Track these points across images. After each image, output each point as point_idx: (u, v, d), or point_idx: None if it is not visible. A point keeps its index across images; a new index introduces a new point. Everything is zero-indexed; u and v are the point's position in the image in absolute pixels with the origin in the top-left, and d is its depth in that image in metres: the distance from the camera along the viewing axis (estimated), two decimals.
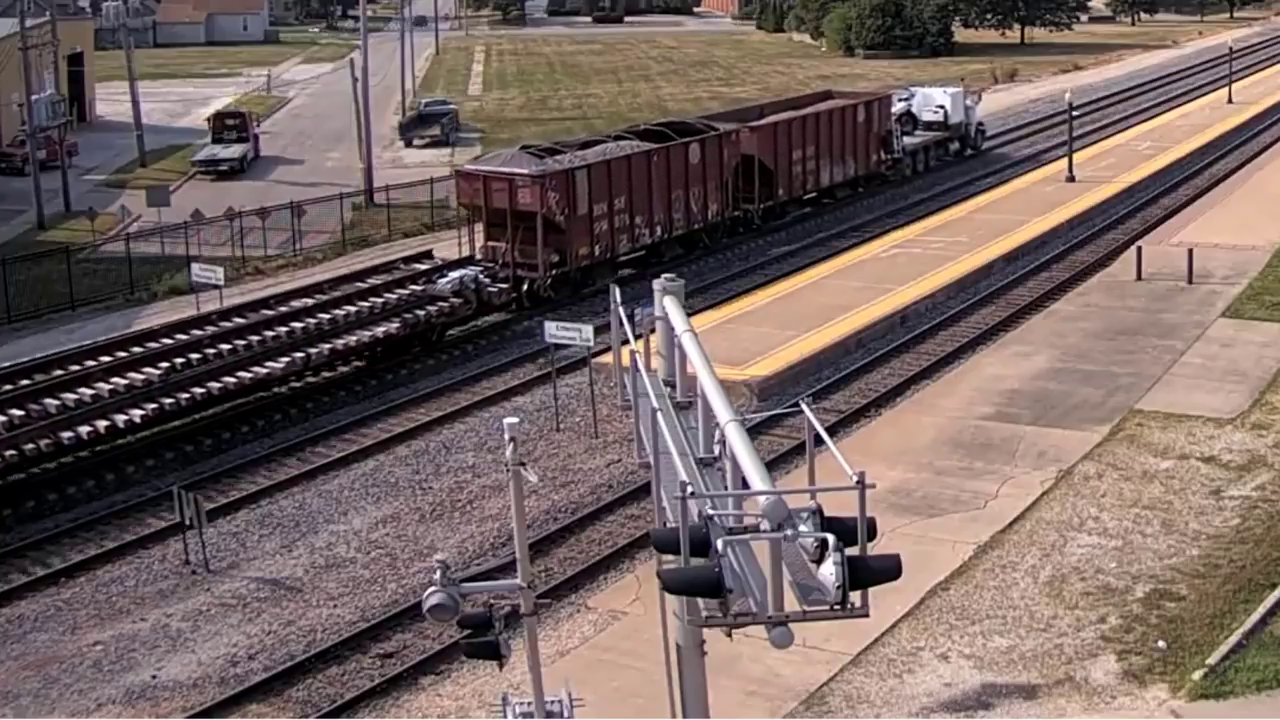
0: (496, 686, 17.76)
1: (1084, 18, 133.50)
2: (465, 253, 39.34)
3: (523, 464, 11.00)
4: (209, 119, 71.25)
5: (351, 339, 32.96)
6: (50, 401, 27.65)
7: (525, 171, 38.54)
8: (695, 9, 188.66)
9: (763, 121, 49.44)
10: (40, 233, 51.36)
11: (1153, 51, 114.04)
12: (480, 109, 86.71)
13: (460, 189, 40.99)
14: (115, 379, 28.94)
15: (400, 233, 49.21)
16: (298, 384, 32.71)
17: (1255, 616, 20.05)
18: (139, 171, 64.40)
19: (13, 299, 40.30)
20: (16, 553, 24.80)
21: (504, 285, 37.26)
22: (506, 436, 10.98)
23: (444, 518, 25.78)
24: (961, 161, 60.86)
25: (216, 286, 35.93)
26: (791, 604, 8.35)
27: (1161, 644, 19.59)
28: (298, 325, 32.64)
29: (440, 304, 35.11)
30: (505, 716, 11.72)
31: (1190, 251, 39.64)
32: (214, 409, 30.32)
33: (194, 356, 30.25)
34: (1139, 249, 40.70)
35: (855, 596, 8.25)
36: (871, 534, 8.46)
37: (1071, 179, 52.68)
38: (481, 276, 36.64)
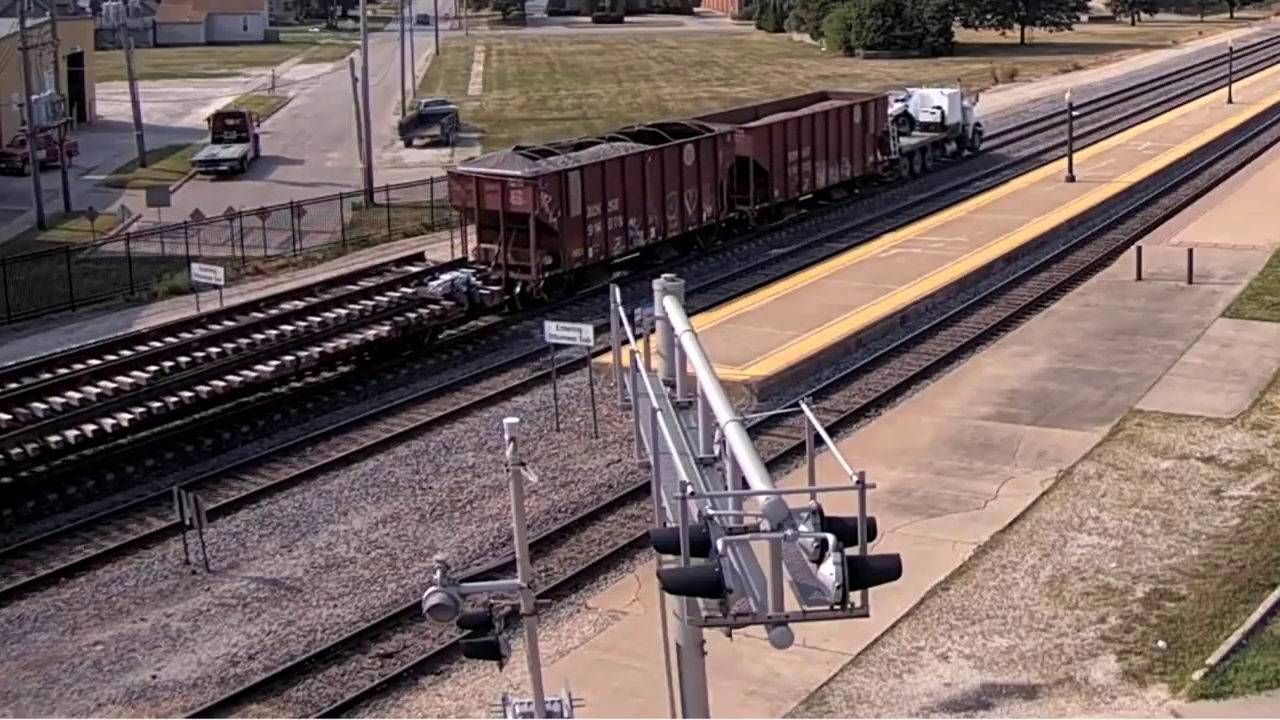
0: (496, 686, 17.75)
1: (1084, 18, 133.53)
2: (458, 255, 39.19)
3: (523, 464, 11.00)
4: (209, 119, 71.26)
5: (342, 342, 32.75)
6: (37, 405, 27.44)
7: (518, 173, 38.37)
8: (695, 9, 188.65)
9: (758, 123, 49.27)
10: (40, 233, 51.38)
11: (1153, 51, 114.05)
12: (480, 109, 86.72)
13: (453, 190, 40.74)
14: (103, 382, 28.71)
15: (400, 233, 49.21)
16: (297, 384, 32.66)
17: (1255, 616, 20.05)
18: (139, 171, 64.41)
19: (13, 299, 40.30)
20: (16, 553, 24.80)
21: (496, 288, 37.08)
22: (506, 436, 10.98)
23: (444, 518, 25.78)
24: (959, 162, 60.79)
25: (216, 286, 35.90)
26: (791, 604, 8.35)
27: (1161, 644, 19.59)
28: (288, 328, 32.41)
29: (431, 307, 34.94)
30: (505, 716, 11.72)
31: (1190, 251, 39.65)
32: (204, 412, 30.13)
33: (183, 360, 30.05)
34: (1139, 249, 40.71)
35: (855, 596, 8.24)
36: (871, 534, 8.46)
37: (1071, 179, 52.69)
38: (473, 279, 36.46)
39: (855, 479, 8.44)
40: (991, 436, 28.08)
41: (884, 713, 18.44)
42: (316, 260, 45.75)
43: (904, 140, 57.25)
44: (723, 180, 45.01)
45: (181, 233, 45.73)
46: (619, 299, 12.88)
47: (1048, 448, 27.26)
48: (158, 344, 30.91)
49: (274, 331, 32.18)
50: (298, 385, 32.76)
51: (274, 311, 33.46)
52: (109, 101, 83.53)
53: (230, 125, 68.06)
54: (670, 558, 8.73)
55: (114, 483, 27.81)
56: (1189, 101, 78.07)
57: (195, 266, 37.95)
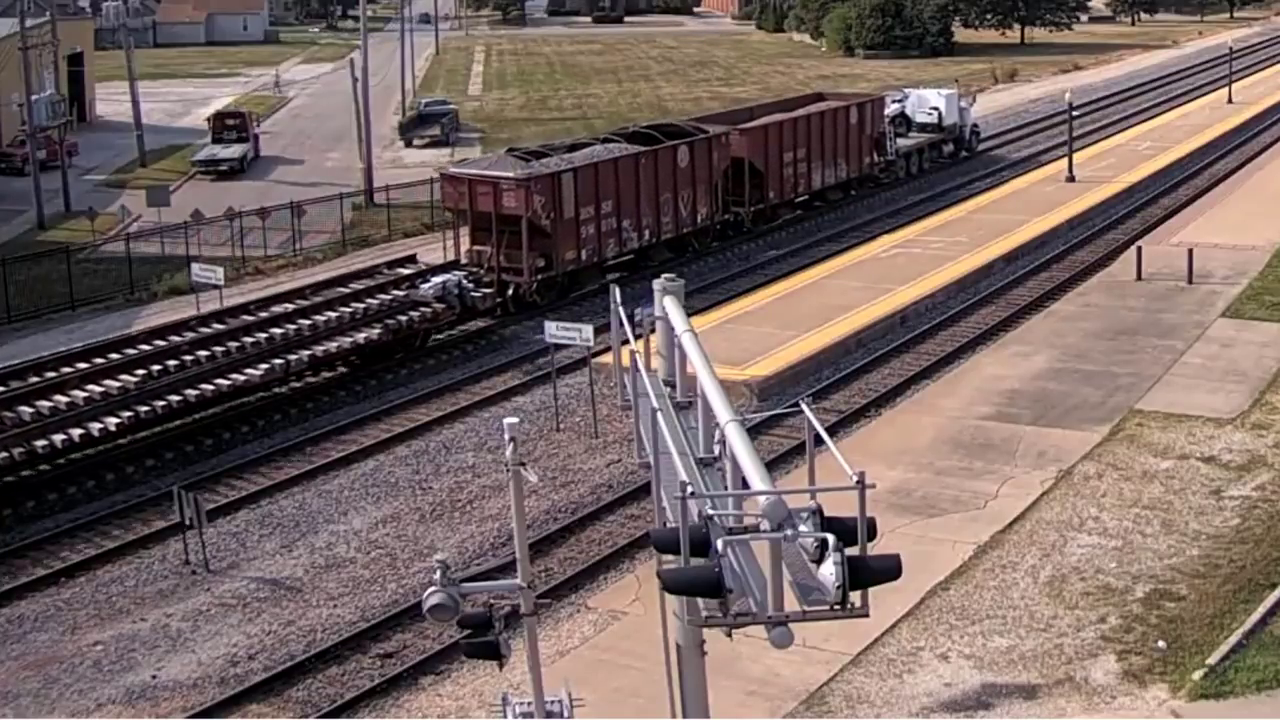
0: (496, 686, 17.76)
1: (1084, 18, 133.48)
2: (450, 257, 39.00)
3: (523, 464, 11.00)
4: (209, 119, 71.26)
5: (332, 345, 32.53)
6: (24, 409, 27.28)
7: (510, 175, 38.21)
8: (695, 9, 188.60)
9: (753, 124, 49.08)
10: (40, 233, 51.37)
11: (1153, 51, 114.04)
12: (480, 109, 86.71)
13: (445, 192, 40.52)
14: (91, 386, 28.48)
15: (400, 233, 49.19)
16: (297, 384, 32.63)
17: (1255, 616, 20.05)
18: (139, 171, 64.40)
19: (13, 299, 40.30)
20: (16, 553, 24.80)
21: (488, 290, 36.84)
22: (506, 436, 10.98)
23: (444, 518, 25.78)
24: (957, 163, 60.69)
25: (216, 286, 35.90)
26: (791, 604, 8.35)
27: (1161, 644, 19.59)
28: (277, 331, 32.15)
29: (423, 309, 34.75)
30: (505, 716, 11.72)
31: (1190, 251, 39.65)
32: (193, 416, 29.94)
33: (171, 363, 29.82)
34: (1139, 249, 40.71)
35: (855, 596, 8.25)
36: (871, 534, 8.46)
37: (1071, 179, 52.68)
38: (465, 281, 36.25)
39: (855, 479, 8.44)
40: (991, 436, 28.08)
41: (884, 713, 18.44)
42: (316, 260, 45.74)
43: (901, 141, 57.12)
44: (717, 182, 44.84)
45: (181, 233, 45.73)
46: (619, 299, 12.88)
47: (1048, 448, 27.26)
48: (146, 347, 30.67)
49: (264, 335, 31.88)
50: (297, 385, 32.76)
51: (264, 314, 33.19)
52: (109, 101, 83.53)
53: (230, 125, 68.05)
54: (670, 558, 8.74)
55: (114, 483, 27.80)
56: (1189, 101, 78.06)
57: (195, 266, 37.95)
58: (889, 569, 8.45)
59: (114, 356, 30.13)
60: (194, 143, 70.03)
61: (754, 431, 25.61)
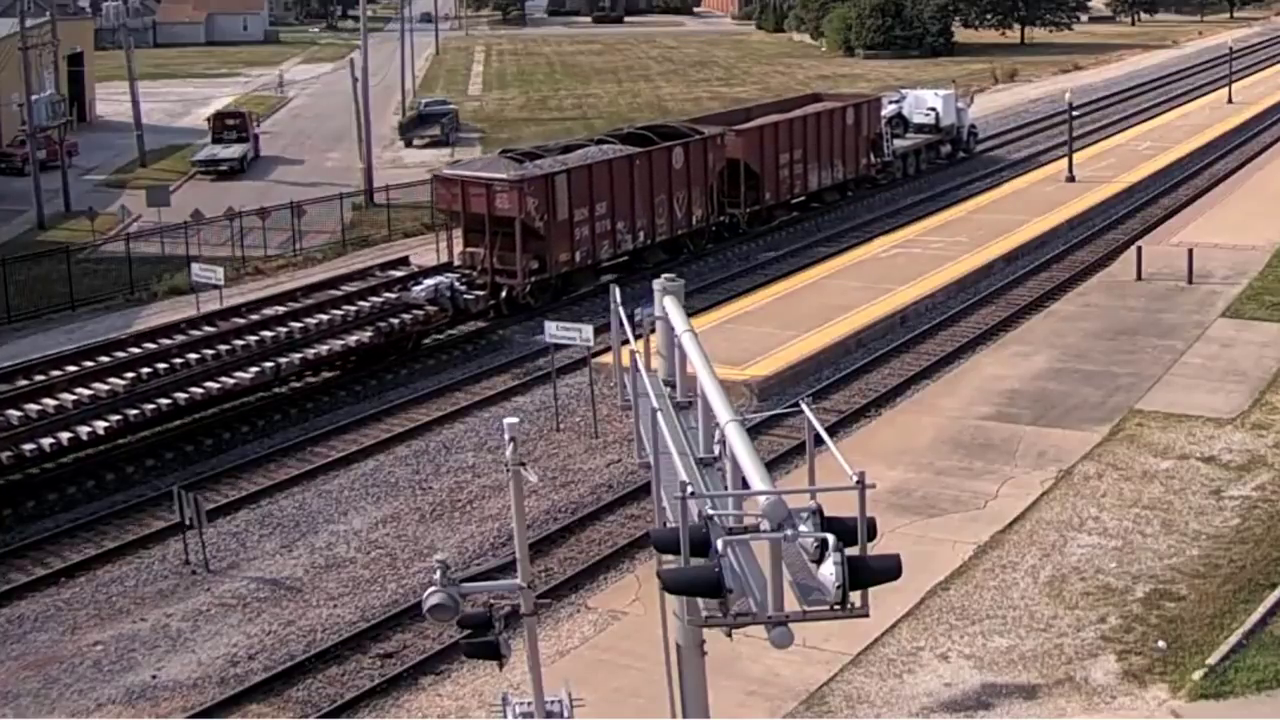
0: (496, 686, 17.76)
1: (1084, 18, 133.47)
2: (443, 259, 38.88)
3: (523, 464, 11.00)
4: (209, 119, 71.25)
5: (323, 348, 32.36)
6: (13, 413, 27.13)
7: (503, 176, 38.06)
8: (695, 9, 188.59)
9: (748, 125, 48.90)
10: (40, 233, 51.37)
11: (1153, 51, 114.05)
12: (480, 109, 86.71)
13: (438, 194, 40.30)
14: (80, 389, 28.34)
15: (400, 233, 49.18)
16: (296, 384, 32.62)
17: (1255, 616, 20.05)
18: (139, 171, 64.40)
19: (13, 299, 40.29)
20: (16, 553, 24.81)
21: (481, 292, 36.62)
22: (506, 436, 10.98)
23: (444, 518, 25.78)
24: (956, 164, 60.64)
25: (216, 286, 35.89)
26: (791, 604, 8.36)
27: (1161, 644, 19.59)
28: (268, 334, 31.98)
29: (415, 312, 34.60)
30: (505, 716, 11.72)
31: (1190, 251, 39.65)
32: (184, 419, 29.79)
33: (161, 366, 29.64)
34: (1139, 249, 40.71)
35: (855, 596, 8.25)
36: (871, 534, 8.46)
37: (1071, 179, 52.69)
38: (457, 283, 36.05)
39: (855, 479, 8.45)
40: (991, 436, 28.08)
41: (884, 713, 18.44)
42: (316, 260, 45.75)
43: (898, 142, 56.97)
44: (713, 183, 44.64)
45: (181, 233, 45.73)
46: (619, 299, 12.89)
47: (1048, 448, 27.26)
48: (136, 350, 30.52)
49: (254, 338, 31.68)
50: (297, 385, 32.75)
51: (255, 317, 33.02)
52: (109, 101, 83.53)
53: (230, 125, 68.04)
54: (670, 558, 8.74)
55: (114, 483, 27.80)
56: (1189, 101, 78.06)
57: (195, 266, 37.94)
58: (889, 569, 8.45)
59: (103, 359, 29.97)
60: (194, 143, 70.03)
61: (754, 431, 25.61)
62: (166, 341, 31.14)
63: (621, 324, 12.55)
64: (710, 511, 8.79)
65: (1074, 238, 45.66)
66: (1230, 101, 73.83)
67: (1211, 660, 18.92)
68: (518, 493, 11.12)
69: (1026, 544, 23.05)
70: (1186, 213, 49.04)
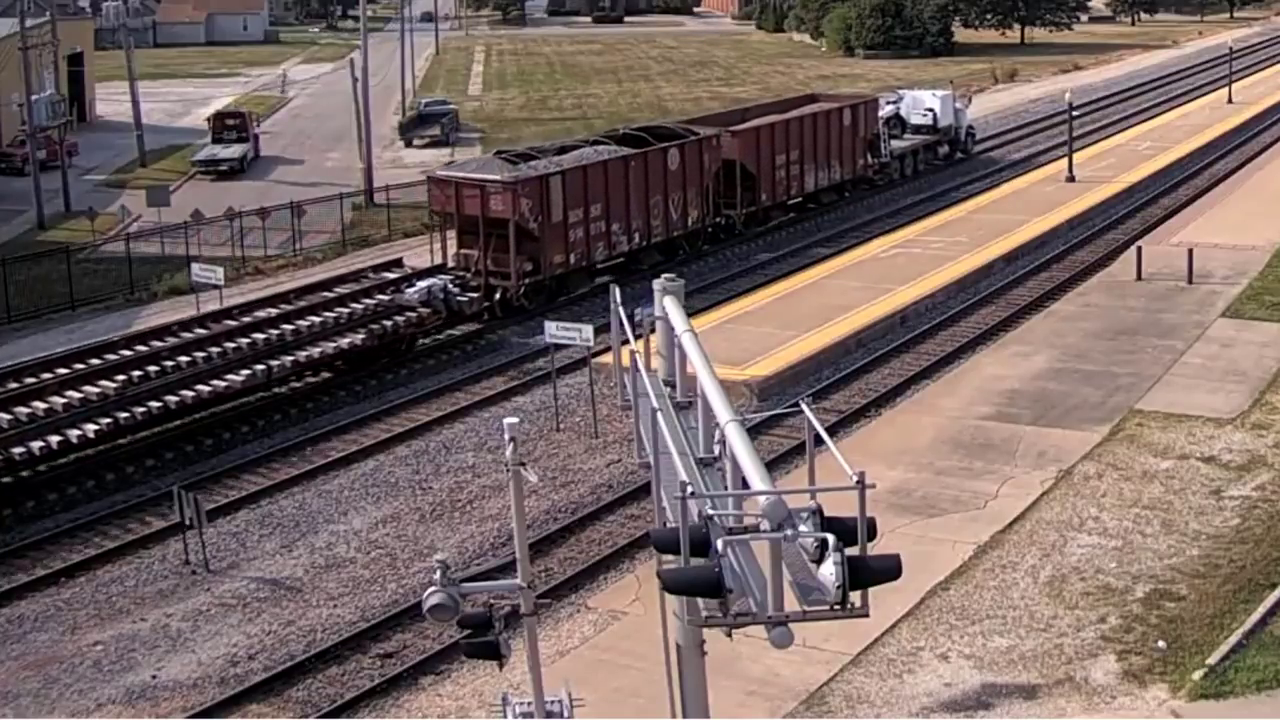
0: (496, 686, 17.76)
1: (1084, 18, 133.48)
2: (437, 261, 38.77)
3: (523, 464, 11.00)
4: (209, 119, 71.25)
5: (315, 350, 32.22)
6: (2, 416, 27.04)
7: (498, 178, 37.95)
8: (695, 9, 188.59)
9: (744, 125, 48.76)
10: (40, 233, 51.38)
11: (1153, 51, 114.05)
12: (480, 109, 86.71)
13: (432, 196, 40.07)
14: (71, 392, 28.21)
15: (400, 233, 49.18)
16: (286, 389, 32.50)
17: (1255, 616, 20.05)
18: (139, 171, 64.41)
19: (13, 299, 40.29)
20: (16, 553, 24.80)
21: (475, 294, 36.44)
22: (506, 436, 10.98)
23: (444, 518, 25.78)
24: (953, 165, 60.57)
25: (216, 286, 35.87)
26: (791, 604, 8.36)
27: (1161, 644, 19.59)
28: (261, 336, 31.83)
29: (408, 314, 34.48)
30: (505, 716, 11.72)
31: (1190, 251, 39.65)
32: (175, 422, 29.71)
33: (153, 369, 29.51)
34: (1139, 249, 40.71)
35: (855, 596, 8.25)
36: (871, 534, 8.46)
37: (1071, 179, 52.68)
38: (451, 285, 35.93)
39: (855, 479, 8.44)
40: (991, 436, 28.08)
41: (884, 713, 18.44)
42: (316, 260, 45.74)
43: (895, 143, 56.80)
44: (708, 184, 44.46)
45: (181, 233, 45.74)
46: (619, 299, 12.89)
47: (1048, 448, 27.26)
48: (128, 353, 30.38)
49: (246, 340, 31.55)
50: (297, 385, 32.74)
51: (248, 319, 32.89)
52: (109, 101, 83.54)
53: (230, 125, 68.04)
54: (670, 558, 8.74)
55: (114, 483, 27.80)
56: (1189, 101, 78.07)
57: (195, 266, 37.92)
58: (889, 569, 8.45)
59: (95, 362, 29.80)
60: (194, 143, 70.03)
61: (754, 431, 25.61)
62: (158, 344, 30.98)
63: (621, 324, 12.55)
64: (710, 511, 8.79)
65: (1074, 238, 45.66)
66: (1230, 101, 73.83)
67: (1211, 660, 18.92)
68: (518, 493, 11.12)
69: (1026, 544, 23.05)
70: (1186, 213, 49.04)
